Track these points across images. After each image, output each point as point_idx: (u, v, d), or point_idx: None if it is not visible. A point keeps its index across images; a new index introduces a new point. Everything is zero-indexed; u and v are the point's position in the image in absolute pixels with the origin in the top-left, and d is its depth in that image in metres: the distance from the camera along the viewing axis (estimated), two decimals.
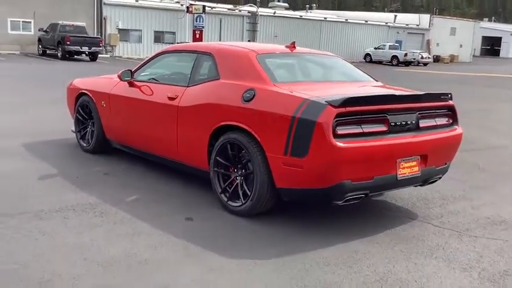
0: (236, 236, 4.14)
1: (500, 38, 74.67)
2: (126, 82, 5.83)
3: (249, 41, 38.97)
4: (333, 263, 3.67)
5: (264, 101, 4.34)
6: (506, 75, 31.91)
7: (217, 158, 4.67)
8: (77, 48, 26.35)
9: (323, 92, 4.29)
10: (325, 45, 44.48)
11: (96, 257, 3.59)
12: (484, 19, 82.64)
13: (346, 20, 47.38)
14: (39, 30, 29.36)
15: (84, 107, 6.60)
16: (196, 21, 34.38)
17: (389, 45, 44.42)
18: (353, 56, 45.83)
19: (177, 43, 30.20)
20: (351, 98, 3.96)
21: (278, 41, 39.61)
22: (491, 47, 76.44)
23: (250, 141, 4.34)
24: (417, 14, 56.36)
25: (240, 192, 4.52)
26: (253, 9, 40.99)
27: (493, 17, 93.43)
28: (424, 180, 4.62)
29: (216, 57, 5.02)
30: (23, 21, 31.22)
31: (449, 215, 4.85)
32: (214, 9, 39.17)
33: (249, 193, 4.42)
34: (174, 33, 36.47)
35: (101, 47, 28.12)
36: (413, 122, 4.37)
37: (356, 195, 4.11)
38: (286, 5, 53.32)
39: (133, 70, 5.86)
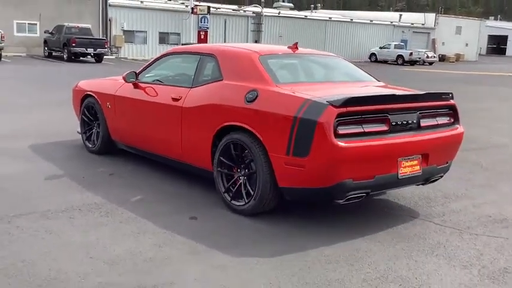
0: (239, 234, 4.20)
1: (507, 36, 74.40)
2: (130, 83, 5.90)
3: (255, 41, 39.04)
4: (335, 260, 3.73)
5: (266, 101, 4.40)
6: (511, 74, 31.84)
7: (221, 158, 4.74)
8: (82, 49, 26.50)
9: (325, 93, 4.34)
10: (330, 45, 44.51)
11: (102, 255, 3.66)
12: (490, 18, 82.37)
13: (351, 19, 47.39)
14: (44, 32, 29.56)
15: (90, 109, 6.68)
16: (201, 22, 34.43)
17: (395, 45, 44.37)
18: (358, 55, 45.86)
19: (182, 44, 30.37)
20: (351, 98, 4.01)
21: (283, 41, 39.67)
22: (497, 45, 76.18)
23: (253, 141, 4.40)
24: (422, 13, 56.22)
25: (243, 192, 4.58)
26: (258, 9, 41.07)
27: (499, 16, 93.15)
28: (426, 179, 4.66)
29: (219, 58, 5.09)
30: (28, 24, 31.44)
31: (451, 214, 4.89)
32: (218, 10, 39.26)
33: (252, 192, 4.48)
34: (179, 34, 36.60)
35: (106, 48, 28.26)
36: (414, 121, 4.42)
37: (357, 194, 4.16)
38: (291, 5, 53.37)
39: (137, 72, 5.94)
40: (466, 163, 7.03)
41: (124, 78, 5.88)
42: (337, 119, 3.93)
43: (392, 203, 5.17)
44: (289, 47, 5.43)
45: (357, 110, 4.05)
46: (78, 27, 28.17)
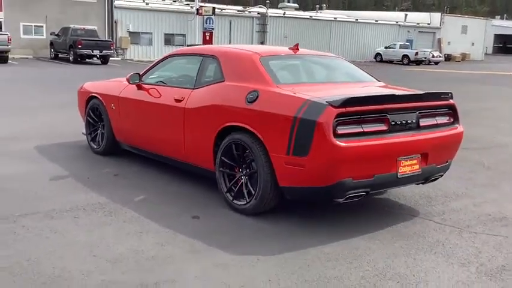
0: (241, 233, 4.26)
1: None
2: (134, 85, 5.98)
3: (261, 43, 39.10)
4: (334, 258, 3.78)
5: (267, 102, 4.46)
6: None
7: (223, 158, 4.80)
8: (88, 51, 26.65)
9: (325, 93, 4.40)
10: (335, 45, 44.55)
11: (105, 254, 3.73)
12: (496, 17, 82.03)
13: (356, 19, 47.37)
14: (51, 34, 29.76)
15: (95, 110, 6.76)
16: (206, 23, 34.53)
17: (400, 45, 44.33)
18: (363, 55, 45.88)
19: (188, 45, 30.48)
20: (351, 98, 4.06)
21: (288, 41, 39.72)
22: (503, 44, 75.90)
23: (254, 141, 4.46)
24: (428, 13, 56.08)
25: (245, 191, 4.65)
26: (263, 10, 41.12)
27: (505, 15, 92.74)
28: (426, 178, 4.71)
29: (221, 60, 5.15)
30: (35, 26, 31.64)
31: (451, 212, 4.93)
32: (224, 11, 39.37)
33: (253, 192, 4.55)
34: (184, 35, 36.73)
35: (112, 50, 28.40)
36: (414, 121, 4.46)
37: (357, 193, 4.21)
38: (296, 5, 53.40)
39: (141, 73, 6.02)
40: (468, 162, 7.06)
41: (128, 80, 5.96)
42: (336, 119, 3.99)
43: (392, 202, 5.22)
44: (290, 48, 5.49)
45: (356, 110, 4.10)
46: (84, 29, 28.32)
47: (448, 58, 50.57)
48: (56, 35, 28.97)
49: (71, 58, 27.13)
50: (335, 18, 46.48)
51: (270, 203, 4.52)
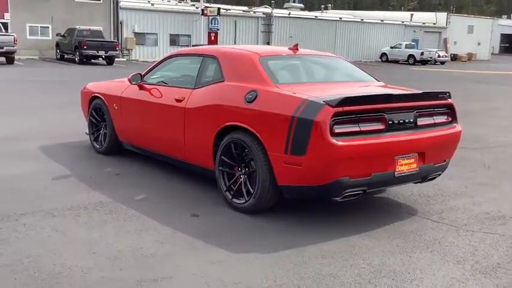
0: (239, 231, 4.31)
1: None
2: (136, 85, 6.05)
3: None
4: (330, 256, 3.82)
5: (265, 101, 4.50)
6: None
7: (222, 157, 4.85)
8: (93, 52, 26.78)
9: (323, 93, 4.44)
10: (340, 45, 44.53)
11: (105, 251, 3.79)
12: (503, 16, 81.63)
13: (362, 19, 47.30)
14: (56, 35, 29.94)
15: (97, 110, 6.83)
16: (211, 24, 34.64)
17: (406, 44, 44.25)
18: (369, 55, 45.82)
19: (193, 46, 30.57)
20: (348, 97, 4.11)
21: (293, 41, 39.60)
22: (510, 44, 75.45)
23: (253, 140, 4.51)
24: (434, 13, 55.93)
25: (244, 190, 4.70)
26: (268, 10, 41.17)
27: None
28: (423, 177, 4.74)
29: (221, 60, 5.21)
30: (41, 27, 31.84)
31: (449, 211, 4.96)
32: (229, 11, 39.44)
33: (252, 191, 4.59)
34: (189, 35, 36.83)
35: (117, 50, 28.53)
36: (411, 120, 4.50)
37: (354, 191, 4.25)
38: (301, 5, 53.43)
39: (143, 73, 6.08)
40: (469, 162, 7.09)
41: (129, 80, 6.03)
42: (333, 118, 4.03)
43: (391, 201, 5.26)
44: (289, 48, 5.54)
45: (353, 110, 4.14)
46: (89, 30, 28.48)
47: (454, 58, 50.44)
48: (61, 36, 29.16)
49: (76, 59, 27.29)
50: (340, 18, 46.44)
51: (268, 201, 4.57)
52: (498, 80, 26.12)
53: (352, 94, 4.27)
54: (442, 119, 4.84)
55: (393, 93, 4.57)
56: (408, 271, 3.61)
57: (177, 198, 5.10)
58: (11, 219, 4.36)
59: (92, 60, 27.76)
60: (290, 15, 42.80)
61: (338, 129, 4.07)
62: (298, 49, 5.50)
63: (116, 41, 30.77)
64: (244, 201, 4.67)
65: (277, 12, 42.13)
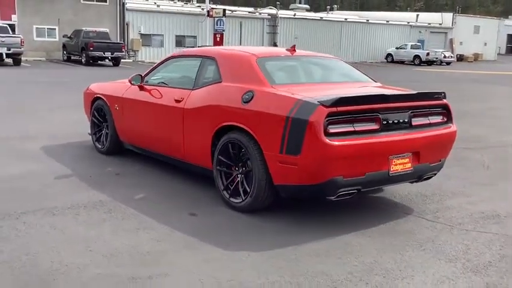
0: (235, 230, 4.37)
1: None
2: (136, 86, 6.13)
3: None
4: (324, 254, 3.88)
5: (261, 102, 4.57)
6: None
7: (220, 157, 4.92)
8: (99, 53, 26.95)
9: (318, 93, 4.49)
10: (346, 46, 44.51)
11: (102, 249, 3.87)
12: (510, 17, 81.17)
13: (367, 20, 47.26)
14: (63, 36, 30.16)
15: (99, 111, 6.92)
16: (217, 25, 34.76)
17: (411, 45, 44.18)
18: (374, 56, 45.80)
19: (198, 47, 30.65)
20: (342, 98, 4.16)
21: (298, 42, 39.77)
22: None
23: (249, 140, 4.58)
24: (440, 13, 55.77)
25: (241, 190, 4.76)
26: (273, 11, 41.23)
27: None
28: (418, 176, 4.79)
29: (219, 61, 5.28)
30: (47, 28, 32.05)
31: (445, 210, 5.00)
32: (234, 12, 39.54)
33: (248, 190, 4.66)
34: (195, 37, 36.96)
35: (123, 52, 28.67)
36: (406, 120, 4.54)
37: (348, 190, 4.31)
38: (307, 6, 53.44)
39: (143, 74, 6.16)
40: (468, 162, 7.13)
41: (130, 81, 6.11)
42: (327, 118, 4.08)
43: (388, 200, 5.30)
44: (287, 49, 5.60)
45: (347, 110, 4.20)
46: (95, 31, 28.65)
47: (461, 58, 50.30)
48: (68, 38, 29.36)
49: (83, 60, 27.47)
50: (346, 19, 46.43)
51: (265, 200, 4.63)
52: (503, 80, 26.05)
53: (346, 94, 4.32)
54: (437, 119, 4.89)
55: (387, 93, 4.62)
56: (400, 269, 3.67)
57: (177, 198, 5.17)
58: (11, 217, 4.44)
59: (98, 62, 27.92)
60: (295, 16, 42.84)
61: (332, 129, 4.12)
62: (295, 50, 5.57)
63: (122, 42, 30.92)
64: (241, 200, 4.73)
65: (282, 13, 42.19)
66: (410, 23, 49.84)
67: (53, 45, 31.90)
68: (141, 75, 6.13)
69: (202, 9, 36.90)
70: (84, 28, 28.65)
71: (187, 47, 34.80)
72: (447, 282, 3.48)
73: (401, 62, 43.32)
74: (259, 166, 4.51)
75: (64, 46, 30.16)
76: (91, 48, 26.66)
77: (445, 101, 4.92)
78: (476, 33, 55.17)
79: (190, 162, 5.48)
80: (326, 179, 4.18)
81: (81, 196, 5.09)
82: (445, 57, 42.87)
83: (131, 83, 6.13)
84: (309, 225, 4.51)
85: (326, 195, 4.32)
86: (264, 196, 4.57)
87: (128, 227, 4.35)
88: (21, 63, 25.07)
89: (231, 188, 4.87)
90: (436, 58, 42.16)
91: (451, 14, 54.79)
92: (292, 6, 52.27)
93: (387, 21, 48.30)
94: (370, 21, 47.23)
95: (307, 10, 51.46)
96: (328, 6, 58.30)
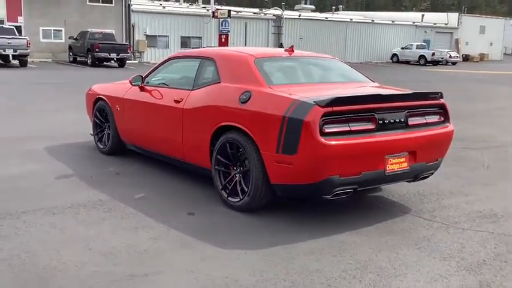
0: (232, 229, 4.42)
1: None
2: (137, 87, 6.19)
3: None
4: (319, 252, 3.92)
5: (258, 102, 4.61)
6: None
7: (218, 156, 4.97)
8: (105, 55, 27.08)
9: (314, 93, 4.52)
10: (351, 46, 44.46)
11: (100, 247, 3.92)
12: None
13: (373, 20, 47.19)
14: (69, 38, 30.33)
15: (101, 111, 6.99)
16: (222, 26, 34.76)
17: (417, 45, 44.07)
18: (380, 56, 45.74)
19: (203, 48, 30.69)
20: (337, 98, 4.20)
21: (304, 43, 39.81)
22: None
23: (247, 140, 4.62)
24: (445, 13, 55.60)
25: (238, 189, 4.80)
26: (278, 12, 41.27)
27: None
28: (415, 175, 4.81)
29: (217, 61, 5.33)
30: (54, 30, 32.25)
31: (442, 209, 5.02)
32: (239, 13, 39.62)
33: (246, 189, 4.70)
34: (200, 38, 37.06)
35: (128, 53, 28.78)
36: (402, 120, 4.57)
37: (344, 189, 4.34)
38: (312, 7, 53.46)
39: (144, 75, 6.23)
40: (468, 161, 7.15)
41: (130, 82, 6.17)
42: (322, 118, 4.12)
43: (386, 199, 5.33)
44: (285, 50, 5.65)
45: (343, 110, 4.23)
46: (101, 32, 28.80)
47: (466, 58, 50.15)
48: (74, 39, 29.52)
49: (88, 61, 27.60)
50: (351, 19, 46.39)
51: (262, 200, 4.67)
52: (508, 80, 25.95)
53: (342, 94, 4.36)
54: (434, 118, 4.91)
55: (383, 93, 4.65)
56: (394, 267, 3.70)
57: (176, 198, 5.22)
58: (12, 217, 4.51)
59: (104, 63, 28.06)
60: (300, 17, 42.85)
61: (328, 129, 4.16)
62: (293, 51, 5.61)
63: (127, 43, 31.03)
64: (238, 199, 4.77)
65: (287, 14, 42.21)
66: (415, 23, 49.73)
67: (59, 46, 32.09)
68: (141, 76, 6.19)
69: (208, 10, 36.97)
70: (90, 30, 28.82)
71: (193, 48, 34.87)
72: (440, 280, 3.51)
73: (407, 62, 43.25)
74: (256, 166, 4.55)
75: (70, 47, 30.33)
76: (96, 50, 26.79)
77: (442, 100, 4.95)
78: (482, 33, 54.96)
79: (189, 162, 5.53)
80: (322, 178, 4.22)
81: (81, 196, 5.15)
82: (450, 57, 42.77)
83: (132, 84, 6.19)
84: (306, 223, 4.54)
85: (322, 194, 4.35)
86: (261, 195, 4.62)
87: (127, 225, 4.40)
88: (28, 65, 25.24)
89: (229, 187, 4.92)
90: (442, 58, 42.05)
91: (457, 14, 54.64)
92: (297, 6, 52.29)
93: (392, 22, 48.21)
94: (375, 21, 47.15)
95: (313, 10, 51.47)
96: (334, 7, 58.24)
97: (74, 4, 32.51)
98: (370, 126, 4.37)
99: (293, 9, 49.89)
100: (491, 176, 6.50)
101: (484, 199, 5.43)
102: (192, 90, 5.43)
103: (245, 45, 37.95)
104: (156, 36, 35.70)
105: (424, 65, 40.97)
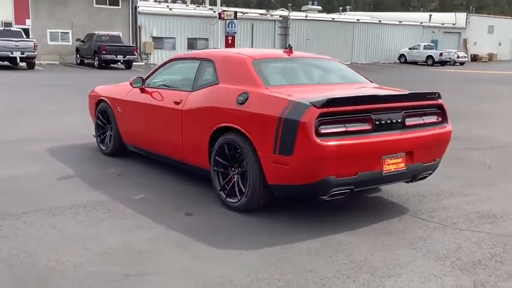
0: (230, 229, 4.45)
1: None
2: (137, 88, 6.25)
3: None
4: (315, 252, 3.94)
5: (255, 103, 4.64)
6: None
7: (216, 157, 5.00)
8: (112, 57, 27.26)
9: (311, 94, 4.54)
10: (358, 47, 44.40)
11: (98, 247, 3.96)
12: None
13: (380, 21, 47.08)
14: (76, 40, 30.56)
15: (103, 113, 7.05)
16: (229, 27, 34.86)
17: (424, 45, 43.93)
18: (387, 57, 45.65)
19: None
20: (333, 98, 4.22)
21: (310, 44, 39.78)
22: None
23: (244, 141, 4.65)
24: (453, 13, 55.35)
25: (237, 190, 4.84)
26: (285, 13, 41.28)
27: None
28: (413, 176, 4.82)
29: (216, 63, 5.37)
30: (61, 32, 32.47)
31: (440, 210, 5.03)
32: (246, 14, 39.68)
33: (244, 190, 4.73)
34: (207, 39, 37.15)
35: (135, 55, 28.93)
36: (399, 120, 4.58)
37: (341, 190, 4.36)
38: (319, 7, 53.41)
39: (144, 77, 6.28)
40: (469, 162, 7.13)
41: (131, 84, 6.23)
42: (318, 119, 4.14)
43: (384, 200, 5.34)
44: (284, 51, 5.68)
45: (339, 110, 4.25)
46: (108, 35, 28.97)
47: (475, 58, 49.93)
48: (81, 41, 29.72)
49: (95, 63, 27.79)
50: (358, 20, 46.30)
51: (260, 200, 4.70)
52: (508, 80, 25.86)
53: (338, 95, 4.38)
54: (432, 119, 4.92)
55: (379, 94, 4.67)
56: (388, 267, 3.71)
57: (176, 199, 5.25)
58: (12, 217, 4.57)
59: (111, 65, 28.21)
60: (307, 18, 42.85)
61: (324, 130, 4.18)
62: (292, 52, 5.64)
63: (133, 45, 31.17)
64: (236, 200, 4.81)
65: (294, 15, 42.20)
66: (423, 24, 49.56)
67: (67, 49, 32.32)
68: (142, 78, 6.25)
69: (214, 11, 37.06)
70: (96, 32, 29.01)
71: (199, 49, 34.96)
72: (434, 280, 3.52)
73: (415, 63, 43.13)
74: (253, 166, 4.58)
75: (77, 50, 30.56)
76: (103, 52, 26.97)
77: (439, 101, 4.95)
78: (491, 33, 54.69)
79: (189, 163, 5.57)
80: (318, 179, 4.24)
81: (81, 196, 5.20)
82: (458, 57, 42.59)
83: (132, 86, 6.24)
84: (303, 224, 4.57)
85: (319, 194, 4.38)
86: (258, 196, 4.65)
87: (126, 226, 4.45)
88: (35, 67, 25.44)
89: (228, 188, 4.95)
90: (450, 58, 41.90)
91: (465, 14, 54.36)
92: (304, 7, 52.26)
93: (400, 22, 48.07)
94: (382, 21, 47.04)
95: (320, 11, 51.42)
96: (341, 8, 58.17)
97: (81, 6, 32.72)
98: (367, 126, 4.39)
99: (300, 10, 49.85)
100: (491, 176, 6.49)
101: (485, 200, 5.42)
102: (191, 91, 5.47)
103: (252, 46, 37.98)
104: (162, 38, 35.84)
105: (432, 65, 40.83)
